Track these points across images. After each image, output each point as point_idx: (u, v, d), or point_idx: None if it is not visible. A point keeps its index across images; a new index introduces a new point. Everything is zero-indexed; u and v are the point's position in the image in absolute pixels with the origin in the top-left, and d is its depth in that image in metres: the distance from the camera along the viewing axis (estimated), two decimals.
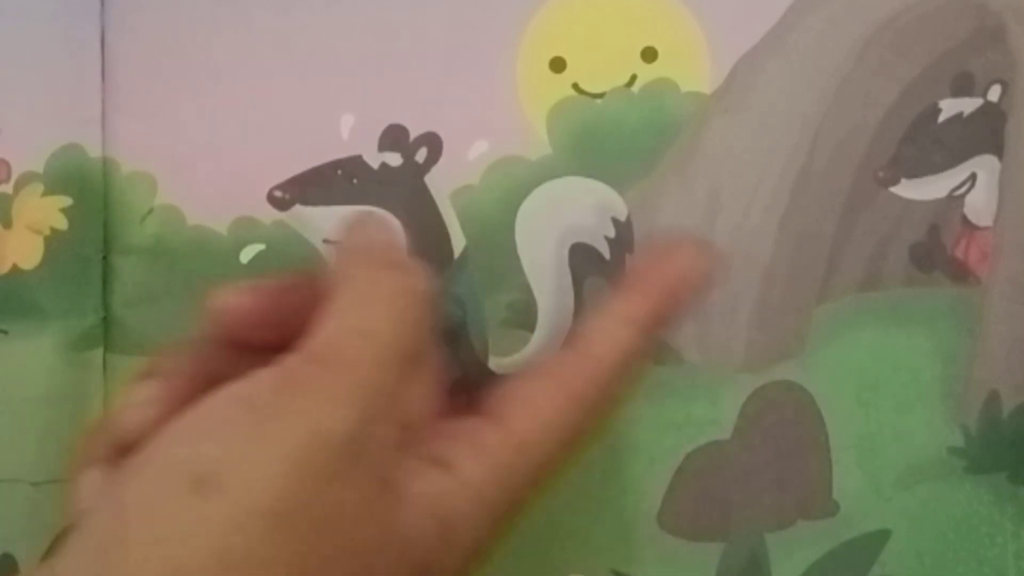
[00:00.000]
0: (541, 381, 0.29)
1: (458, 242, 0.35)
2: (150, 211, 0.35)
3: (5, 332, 0.34)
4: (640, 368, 0.31)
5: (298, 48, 0.35)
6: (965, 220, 0.37)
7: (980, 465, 0.37)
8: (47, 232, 0.34)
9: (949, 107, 0.36)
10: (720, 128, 0.36)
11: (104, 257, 0.35)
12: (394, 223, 0.30)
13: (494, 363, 0.35)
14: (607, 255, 0.36)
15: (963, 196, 0.37)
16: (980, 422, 0.37)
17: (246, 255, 0.35)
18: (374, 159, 0.35)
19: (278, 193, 0.35)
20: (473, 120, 0.35)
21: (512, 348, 0.35)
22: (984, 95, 0.36)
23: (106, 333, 0.34)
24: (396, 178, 0.35)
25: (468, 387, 0.35)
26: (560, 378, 0.29)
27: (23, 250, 0.34)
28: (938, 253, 0.37)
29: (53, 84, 0.34)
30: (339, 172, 0.35)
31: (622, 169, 0.35)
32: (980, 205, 0.37)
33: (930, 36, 0.36)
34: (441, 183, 0.35)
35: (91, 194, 0.34)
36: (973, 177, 0.37)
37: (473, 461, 0.27)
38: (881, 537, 0.37)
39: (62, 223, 0.34)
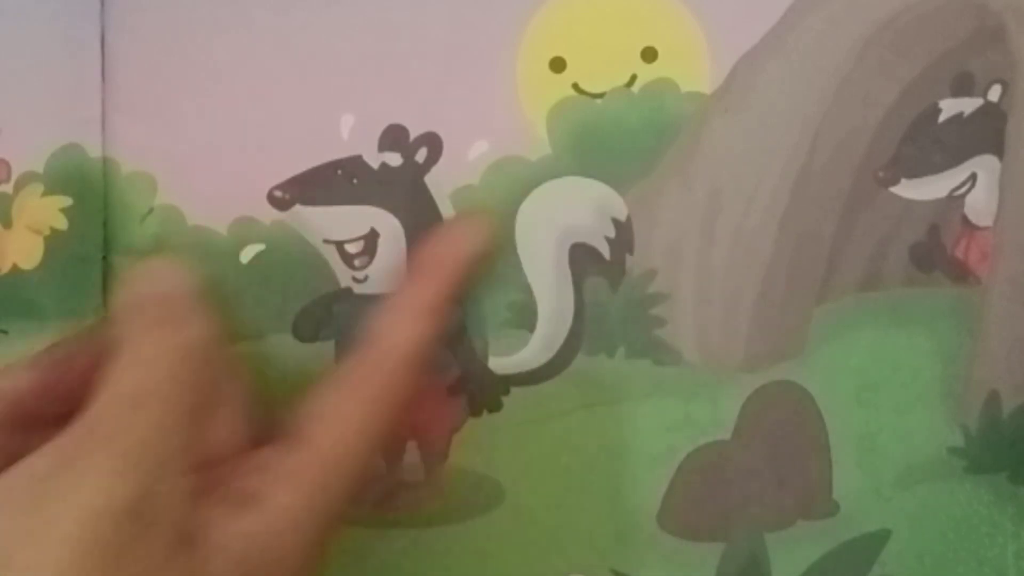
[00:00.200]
0: (338, 392, 0.30)
1: None
2: (150, 211, 0.35)
3: (5, 332, 0.34)
4: (435, 350, 0.31)
5: (298, 48, 0.35)
6: (965, 220, 0.37)
7: (980, 465, 0.37)
8: (47, 232, 0.34)
9: (949, 107, 0.36)
10: (720, 128, 0.36)
11: (104, 257, 0.35)
12: (179, 267, 0.30)
13: (494, 363, 0.35)
14: (607, 255, 0.36)
15: (963, 196, 0.37)
16: (980, 422, 0.37)
17: (246, 255, 0.35)
18: (374, 159, 0.35)
19: (278, 193, 0.35)
20: (473, 120, 0.35)
21: (512, 348, 0.35)
22: (984, 95, 0.36)
23: None
24: (396, 178, 0.35)
25: (468, 387, 0.35)
26: (356, 385, 0.30)
27: (23, 250, 0.34)
28: (938, 253, 0.37)
29: (53, 84, 0.34)
30: (339, 172, 0.35)
31: (622, 169, 0.35)
32: (980, 205, 0.37)
33: (930, 36, 0.36)
34: (441, 183, 0.35)
35: (91, 194, 0.34)
36: (973, 177, 0.37)
37: (284, 489, 0.27)
38: (881, 537, 0.37)
39: (62, 223, 0.34)
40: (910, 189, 0.36)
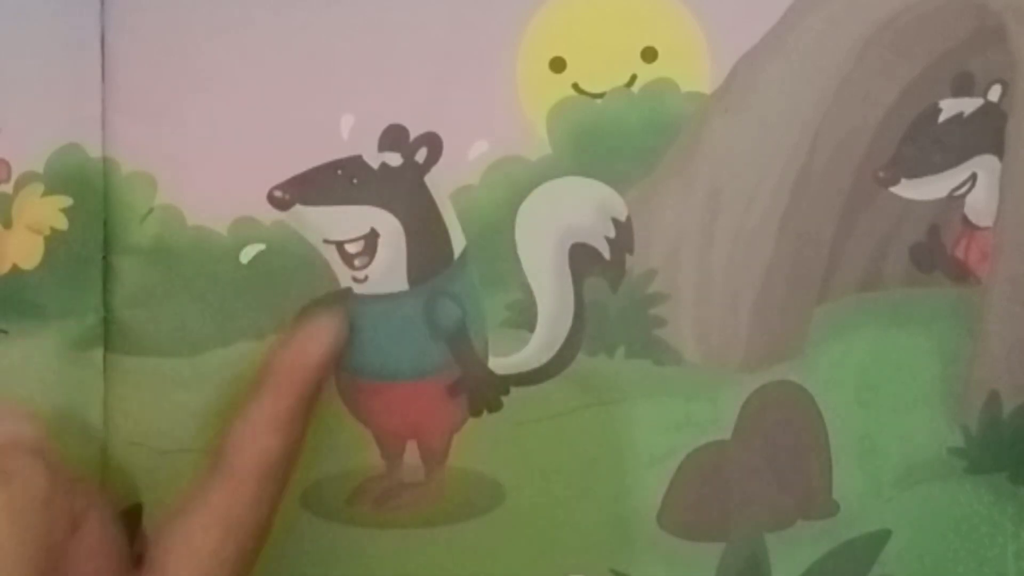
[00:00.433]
0: (195, 518, 0.30)
1: (458, 242, 0.35)
2: (150, 211, 0.35)
3: (5, 332, 0.34)
4: (297, 456, 0.32)
5: (298, 48, 0.35)
6: (965, 220, 0.37)
7: (980, 465, 0.37)
8: (47, 232, 0.34)
9: (949, 107, 0.36)
10: (720, 128, 0.36)
11: (104, 257, 0.35)
12: (13, 409, 0.30)
13: (494, 363, 0.35)
14: (607, 255, 0.36)
15: (963, 196, 0.37)
16: (980, 422, 0.37)
17: (246, 255, 0.35)
18: (374, 159, 0.35)
19: (278, 193, 0.35)
20: (473, 120, 0.35)
21: (512, 348, 0.35)
22: (984, 95, 0.36)
23: (106, 333, 0.34)
24: (396, 178, 0.35)
25: (468, 387, 0.35)
26: (212, 509, 0.30)
27: (23, 250, 0.34)
28: (938, 253, 0.37)
29: (53, 84, 0.34)
30: (339, 172, 0.35)
31: (622, 169, 0.35)
32: (980, 205, 0.37)
33: (930, 36, 0.36)
34: (441, 183, 0.35)
35: (91, 194, 0.34)
36: (973, 177, 0.37)
37: None
38: (881, 537, 0.37)
39: (62, 223, 0.34)
40: (910, 189, 0.36)
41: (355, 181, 0.35)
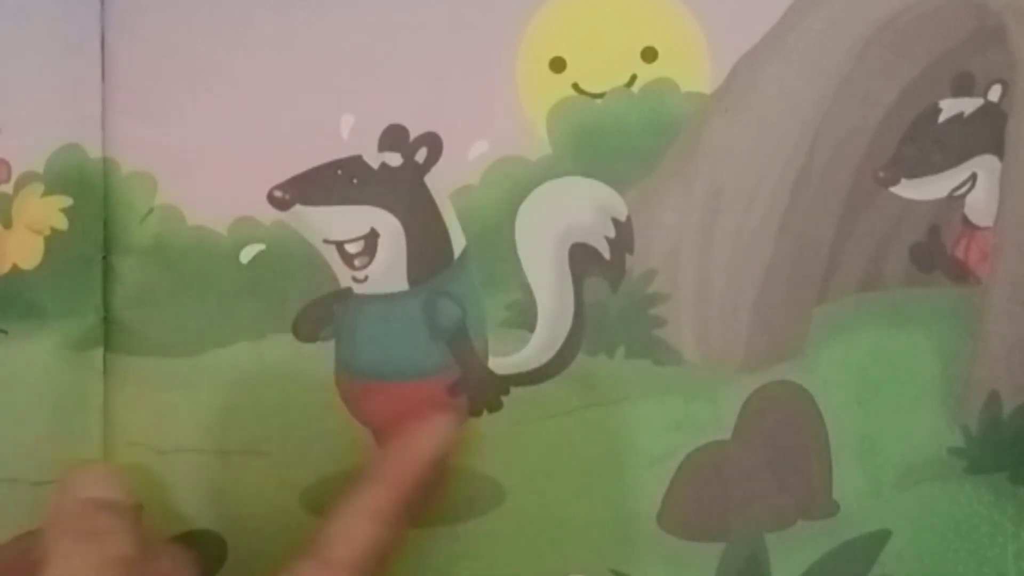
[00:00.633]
0: None
1: (458, 242, 0.35)
2: (150, 211, 0.35)
3: (5, 332, 0.34)
4: (395, 551, 0.32)
5: (298, 48, 0.35)
6: (965, 220, 0.37)
7: (980, 465, 0.37)
8: (47, 232, 0.34)
9: (949, 107, 0.36)
10: (720, 128, 0.36)
11: (104, 257, 0.35)
12: (112, 474, 0.31)
13: (494, 363, 0.35)
14: (607, 255, 0.36)
15: (963, 196, 0.37)
16: (980, 422, 0.37)
17: (246, 255, 0.35)
18: (374, 159, 0.35)
19: (278, 193, 0.35)
20: (473, 120, 0.35)
21: (512, 348, 0.35)
22: (984, 95, 0.36)
23: (106, 333, 0.34)
24: (396, 178, 0.35)
25: (468, 387, 0.35)
26: None
27: (23, 250, 0.34)
28: (938, 253, 0.37)
29: (53, 84, 0.34)
30: (339, 172, 0.35)
31: (622, 169, 0.35)
32: (980, 205, 0.37)
33: (930, 36, 0.36)
34: (441, 183, 0.35)
35: (91, 194, 0.34)
36: (973, 177, 0.37)
37: None
38: (881, 537, 0.37)
39: (62, 223, 0.34)
40: (910, 189, 0.36)
41: (355, 181, 0.35)
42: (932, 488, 0.37)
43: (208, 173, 0.35)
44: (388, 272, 0.35)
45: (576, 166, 0.35)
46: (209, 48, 0.34)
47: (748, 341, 0.36)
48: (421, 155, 0.35)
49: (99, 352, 0.34)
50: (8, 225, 0.34)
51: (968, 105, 0.36)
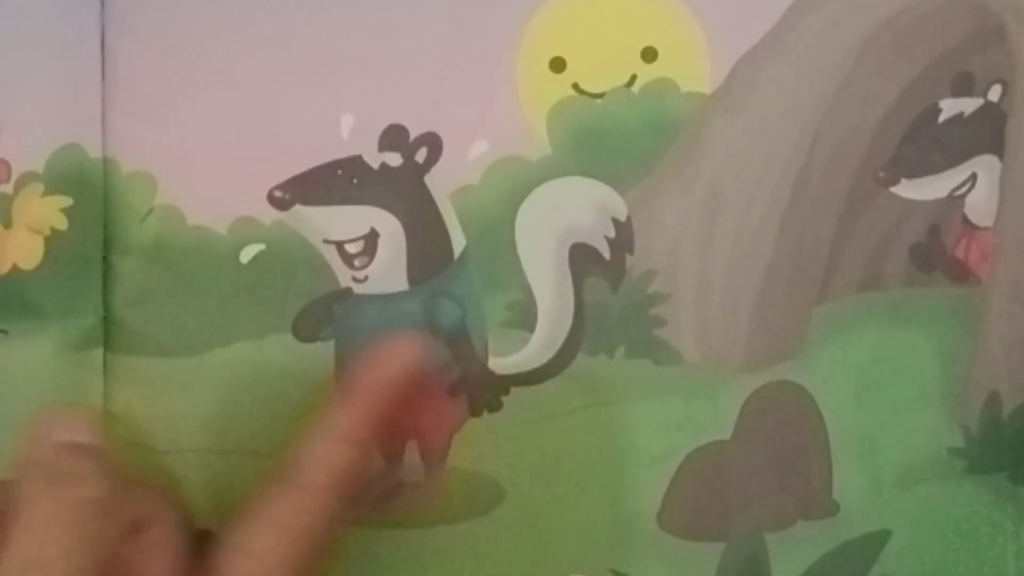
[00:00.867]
0: (262, 527, 0.30)
1: (458, 242, 0.35)
2: (150, 211, 0.35)
3: (5, 332, 0.34)
4: (367, 474, 0.32)
5: (298, 48, 0.35)
6: (965, 220, 0.37)
7: (980, 465, 0.37)
8: (47, 232, 0.34)
9: (949, 107, 0.36)
10: (720, 128, 0.36)
11: (104, 257, 0.35)
12: (83, 417, 0.30)
13: (494, 363, 0.35)
14: (607, 255, 0.36)
15: (963, 196, 0.37)
16: (980, 422, 0.37)
17: (246, 255, 0.35)
18: (374, 159, 0.35)
19: (278, 193, 0.35)
20: (473, 120, 0.35)
21: (512, 348, 0.35)
22: (984, 95, 0.36)
23: (106, 333, 0.34)
24: (396, 178, 0.35)
25: (468, 387, 0.35)
26: (280, 521, 0.30)
27: (23, 250, 0.34)
28: (938, 253, 0.37)
29: (53, 84, 0.34)
30: (339, 172, 0.35)
31: (622, 169, 0.35)
32: (980, 205, 0.37)
33: (930, 36, 0.36)
34: (441, 183, 0.35)
35: (91, 194, 0.34)
36: (973, 177, 0.37)
37: None
38: (881, 537, 0.37)
39: (62, 223, 0.34)
40: (910, 189, 0.36)
41: (355, 181, 0.35)
42: (932, 488, 0.37)
43: (208, 173, 0.35)
44: (388, 272, 0.35)
45: (576, 166, 0.35)
46: (209, 48, 0.34)
47: (748, 341, 0.36)
48: (421, 155, 0.35)
49: (99, 352, 0.34)
50: (8, 225, 0.34)
51: (968, 105, 0.36)
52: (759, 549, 0.36)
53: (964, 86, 0.36)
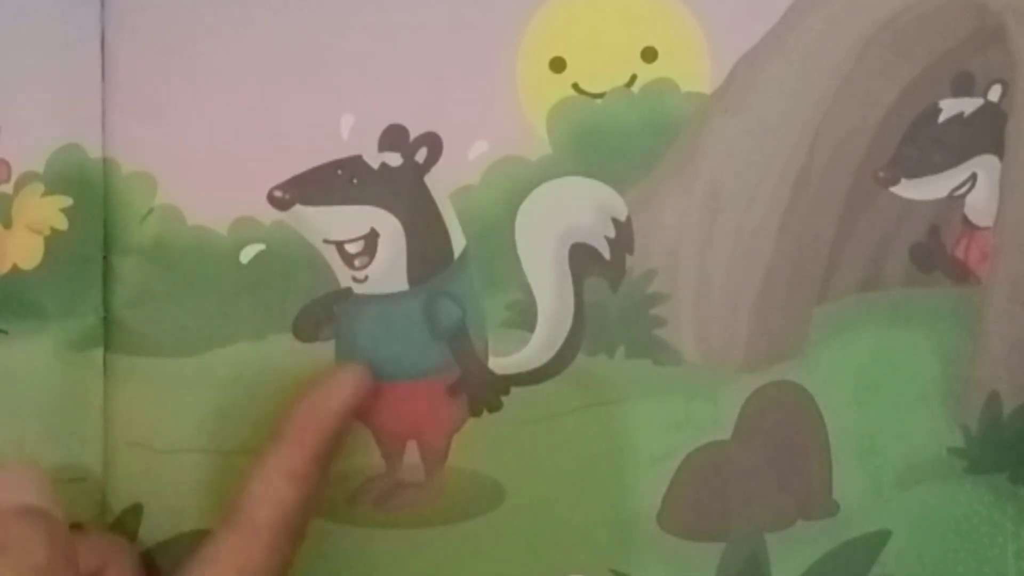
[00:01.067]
0: (210, 569, 0.30)
1: (458, 242, 0.35)
2: (150, 211, 0.35)
3: (5, 332, 0.34)
4: (314, 509, 0.32)
5: (298, 48, 0.35)
6: (965, 220, 0.37)
7: (980, 465, 0.37)
8: (47, 232, 0.34)
9: (949, 107, 0.36)
10: (720, 128, 0.36)
11: (104, 257, 0.35)
12: (29, 476, 0.30)
13: (494, 363, 0.35)
14: (607, 255, 0.36)
15: (963, 196, 0.37)
16: (980, 422, 0.37)
17: (246, 255, 0.35)
18: (374, 159, 0.35)
19: (278, 193, 0.35)
20: (473, 120, 0.35)
21: (512, 348, 0.35)
22: (984, 95, 0.36)
23: (106, 333, 0.34)
24: (396, 178, 0.35)
25: (468, 387, 0.35)
26: (227, 561, 0.30)
27: (23, 250, 0.34)
28: (938, 253, 0.37)
29: (53, 84, 0.34)
30: (339, 172, 0.35)
31: (622, 169, 0.35)
32: (980, 205, 0.37)
33: (930, 36, 0.36)
34: (441, 183, 0.35)
35: (91, 194, 0.34)
36: (973, 177, 0.37)
37: None
38: (881, 537, 0.37)
39: (62, 223, 0.34)
40: (910, 189, 0.36)
41: (355, 181, 0.35)
42: (932, 488, 0.37)
43: (208, 173, 0.35)
44: (388, 272, 0.35)
45: (576, 166, 0.35)
46: (209, 48, 0.34)
47: (748, 341, 0.36)
48: (421, 155, 0.35)
49: (99, 352, 0.34)
50: (8, 225, 0.34)
51: (968, 105, 0.36)
52: (759, 549, 0.36)
53: (964, 86, 0.36)
